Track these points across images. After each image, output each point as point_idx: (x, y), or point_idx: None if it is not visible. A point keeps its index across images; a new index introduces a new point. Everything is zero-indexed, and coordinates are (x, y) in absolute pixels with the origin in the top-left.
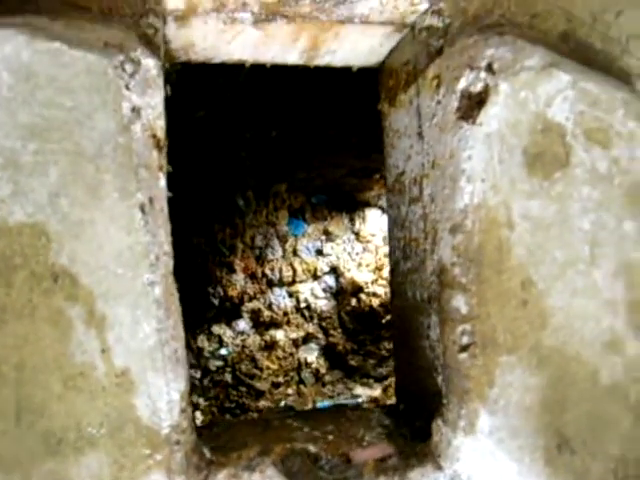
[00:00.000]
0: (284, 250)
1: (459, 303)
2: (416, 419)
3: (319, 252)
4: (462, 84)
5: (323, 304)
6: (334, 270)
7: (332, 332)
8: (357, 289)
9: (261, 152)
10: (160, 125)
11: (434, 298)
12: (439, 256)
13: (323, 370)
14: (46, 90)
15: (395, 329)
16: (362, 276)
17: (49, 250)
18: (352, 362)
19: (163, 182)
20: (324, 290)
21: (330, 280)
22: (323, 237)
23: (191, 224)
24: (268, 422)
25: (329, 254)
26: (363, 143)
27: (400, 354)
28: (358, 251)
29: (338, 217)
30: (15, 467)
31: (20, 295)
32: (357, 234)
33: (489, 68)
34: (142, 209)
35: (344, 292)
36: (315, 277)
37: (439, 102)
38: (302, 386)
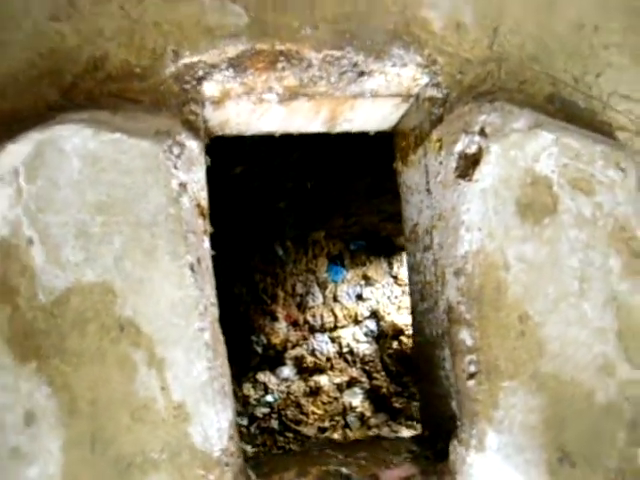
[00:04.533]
0: (324, 296)
1: (465, 337)
2: (438, 442)
3: (359, 297)
4: (459, 147)
5: (365, 348)
6: (375, 314)
7: (375, 375)
8: (398, 332)
9: (299, 202)
10: (203, 196)
11: (446, 333)
12: (447, 296)
13: (368, 413)
14: (109, 172)
15: (417, 362)
16: (402, 319)
17: (115, 304)
18: (397, 404)
19: (207, 244)
20: (366, 334)
21: (371, 324)
22: (362, 282)
23: (233, 275)
24: (307, 452)
25: (369, 298)
26: (397, 188)
27: (422, 384)
28: (397, 294)
29: (377, 262)
30: None
31: (92, 343)
32: (395, 278)
33: (482, 132)
34: (191, 268)
35: (385, 335)
36: (356, 322)
37: (441, 162)
38: (348, 430)
